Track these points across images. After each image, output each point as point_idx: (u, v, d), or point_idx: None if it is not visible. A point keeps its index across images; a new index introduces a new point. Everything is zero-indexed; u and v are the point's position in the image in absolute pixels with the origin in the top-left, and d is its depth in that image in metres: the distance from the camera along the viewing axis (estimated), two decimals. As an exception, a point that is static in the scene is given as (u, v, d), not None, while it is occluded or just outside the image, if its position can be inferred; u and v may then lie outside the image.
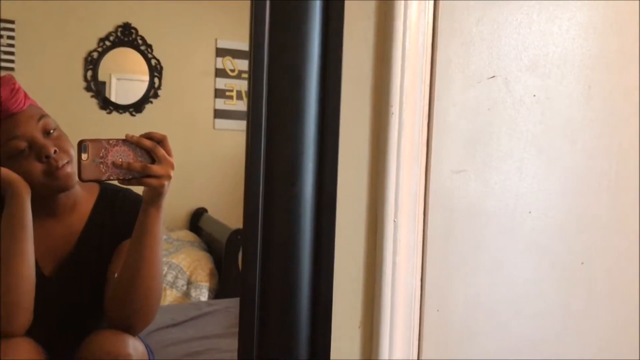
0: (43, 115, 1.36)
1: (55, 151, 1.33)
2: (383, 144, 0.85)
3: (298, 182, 0.81)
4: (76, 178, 1.36)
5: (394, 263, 0.86)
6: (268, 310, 0.83)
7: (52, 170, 1.33)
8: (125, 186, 1.28)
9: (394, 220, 0.86)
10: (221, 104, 4.44)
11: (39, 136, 1.33)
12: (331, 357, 0.85)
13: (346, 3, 0.82)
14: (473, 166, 0.92)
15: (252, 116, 0.79)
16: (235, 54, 4.42)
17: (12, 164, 1.31)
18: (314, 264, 0.83)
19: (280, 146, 0.81)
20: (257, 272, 0.81)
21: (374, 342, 0.87)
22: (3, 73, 1.38)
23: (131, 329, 1.34)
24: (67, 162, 1.35)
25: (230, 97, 4.47)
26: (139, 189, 1.33)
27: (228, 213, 4.07)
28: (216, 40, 4.38)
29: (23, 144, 1.32)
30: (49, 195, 1.40)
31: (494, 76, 0.91)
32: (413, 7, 0.84)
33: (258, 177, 0.80)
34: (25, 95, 1.35)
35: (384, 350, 0.86)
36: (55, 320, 1.43)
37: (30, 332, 1.32)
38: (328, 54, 0.81)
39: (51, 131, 1.36)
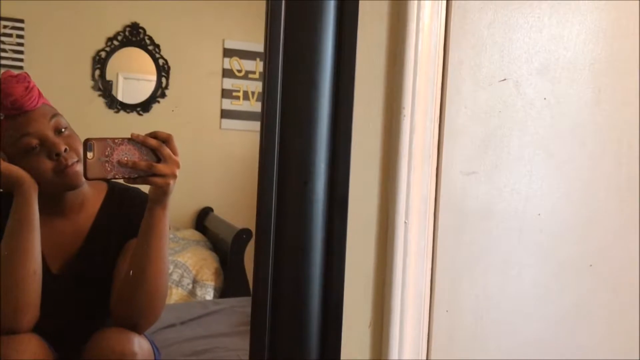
0: (55, 114, 1.37)
1: (65, 149, 1.34)
2: (394, 145, 0.86)
3: (310, 183, 0.82)
4: (83, 177, 1.37)
5: (404, 264, 0.86)
6: (279, 309, 0.83)
7: (62, 169, 1.34)
8: (132, 185, 1.29)
9: (405, 222, 0.86)
10: (228, 104, 4.45)
11: (51, 134, 1.34)
12: (341, 357, 0.86)
13: (360, 5, 0.83)
14: (483, 168, 0.92)
15: (266, 116, 0.80)
16: (242, 54, 4.43)
17: (22, 161, 1.32)
18: (325, 264, 0.84)
19: (293, 147, 0.81)
20: (269, 272, 0.82)
21: (384, 342, 0.87)
22: (15, 72, 1.39)
23: (137, 327, 1.35)
24: (77, 161, 1.36)
25: (237, 98, 4.47)
26: (144, 188, 1.33)
27: (234, 212, 4.08)
28: (223, 40, 4.39)
29: (35, 141, 1.33)
30: (57, 194, 1.41)
31: (505, 79, 0.92)
32: (426, 9, 0.85)
33: (271, 177, 0.81)
34: (39, 94, 1.36)
35: (394, 351, 0.87)
36: (62, 318, 1.44)
37: (37, 329, 1.33)
38: (341, 55, 0.82)
39: (62, 130, 1.37)
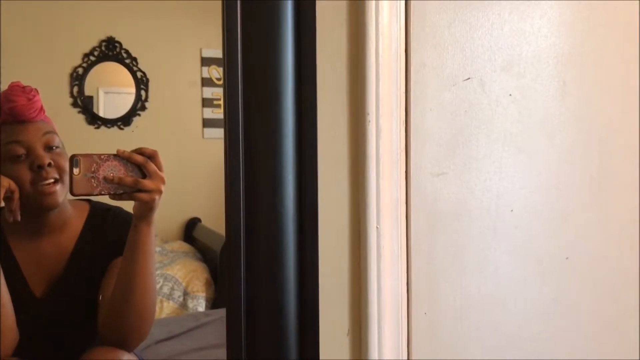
0: (50, 131, 1.39)
1: (49, 164, 1.34)
2: (362, 151, 0.85)
3: (278, 194, 0.81)
4: (60, 199, 1.36)
5: (378, 269, 0.86)
6: (255, 321, 0.83)
7: (40, 182, 1.33)
8: (116, 201, 1.28)
9: (377, 227, 0.86)
10: (209, 113, 4.45)
11: (39, 147, 1.35)
12: (320, 366, 0.86)
13: (317, 12, 0.82)
14: (453, 168, 0.92)
15: (228, 129, 0.79)
16: (221, 62, 4.37)
17: (5, 167, 1.32)
18: (299, 273, 0.83)
19: (258, 158, 0.81)
20: (242, 284, 0.82)
21: (363, 348, 0.87)
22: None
23: (126, 346, 1.34)
24: (56, 181, 1.35)
25: (218, 106, 4.47)
26: (129, 206, 1.33)
27: (221, 222, 4.04)
28: (201, 49, 4.39)
29: (21, 150, 1.33)
30: (37, 214, 1.40)
31: (469, 78, 0.92)
32: (384, 12, 0.85)
33: (238, 190, 0.80)
34: (42, 109, 1.39)
35: (373, 357, 0.86)
36: (47, 341, 1.43)
37: (22, 353, 1.32)
38: (301, 64, 0.81)
39: (54, 147, 1.37)
